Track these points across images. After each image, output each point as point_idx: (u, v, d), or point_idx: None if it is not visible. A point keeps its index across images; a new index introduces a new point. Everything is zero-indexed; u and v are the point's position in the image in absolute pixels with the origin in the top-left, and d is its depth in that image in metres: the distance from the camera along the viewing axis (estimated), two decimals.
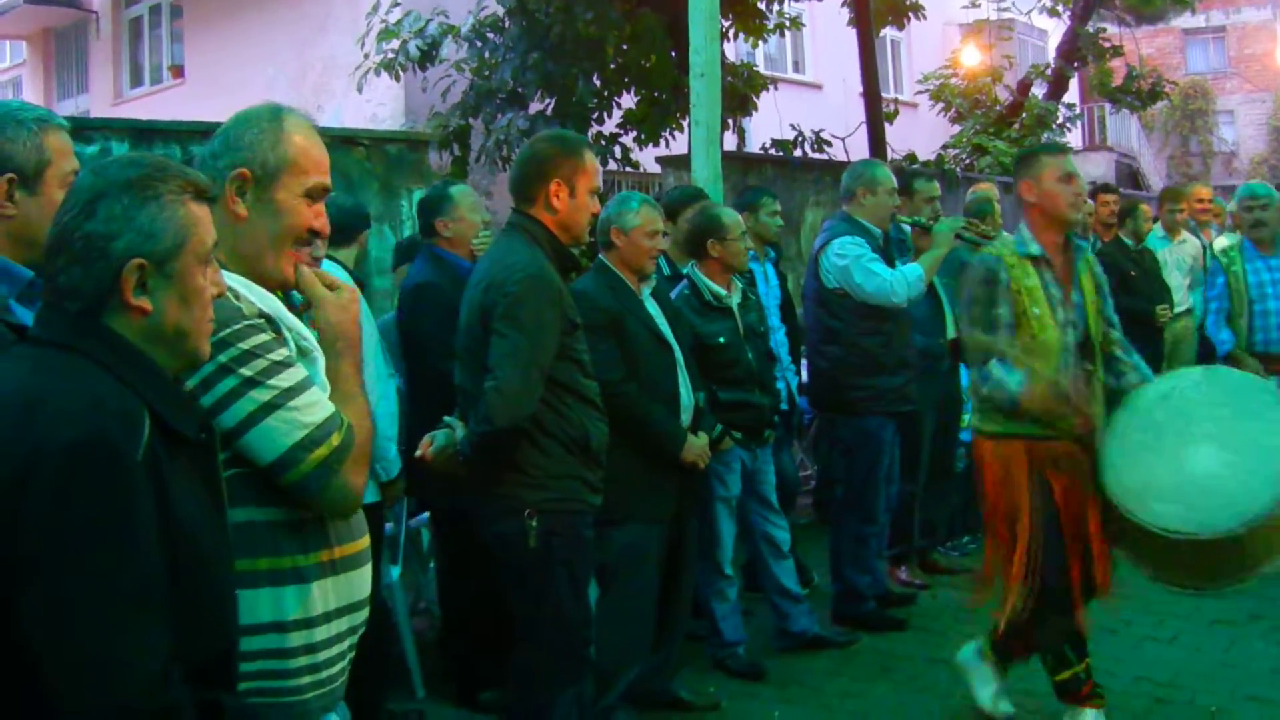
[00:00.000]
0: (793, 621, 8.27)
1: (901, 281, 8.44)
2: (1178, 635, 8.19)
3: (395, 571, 7.70)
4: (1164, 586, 6.54)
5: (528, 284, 5.48)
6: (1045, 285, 6.53)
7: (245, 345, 3.23)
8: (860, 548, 8.79)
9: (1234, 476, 6.10)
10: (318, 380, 3.47)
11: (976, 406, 6.81)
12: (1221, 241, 11.86)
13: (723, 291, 7.74)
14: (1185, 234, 13.50)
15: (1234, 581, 6.50)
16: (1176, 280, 13.06)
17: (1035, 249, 6.58)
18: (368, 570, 3.62)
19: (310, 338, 3.55)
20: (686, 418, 6.96)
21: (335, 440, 3.32)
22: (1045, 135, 24.50)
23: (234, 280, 3.30)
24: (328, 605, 3.42)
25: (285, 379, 3.28)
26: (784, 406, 8.76)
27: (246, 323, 3.27)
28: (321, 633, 3.39)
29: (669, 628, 7.20)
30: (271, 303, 3.49)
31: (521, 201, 5.78)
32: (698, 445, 6.92)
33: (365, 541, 3.62)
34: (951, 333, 9.71)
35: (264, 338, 3.30)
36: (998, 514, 6.60)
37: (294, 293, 3.71)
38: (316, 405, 3.32)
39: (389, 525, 7.57)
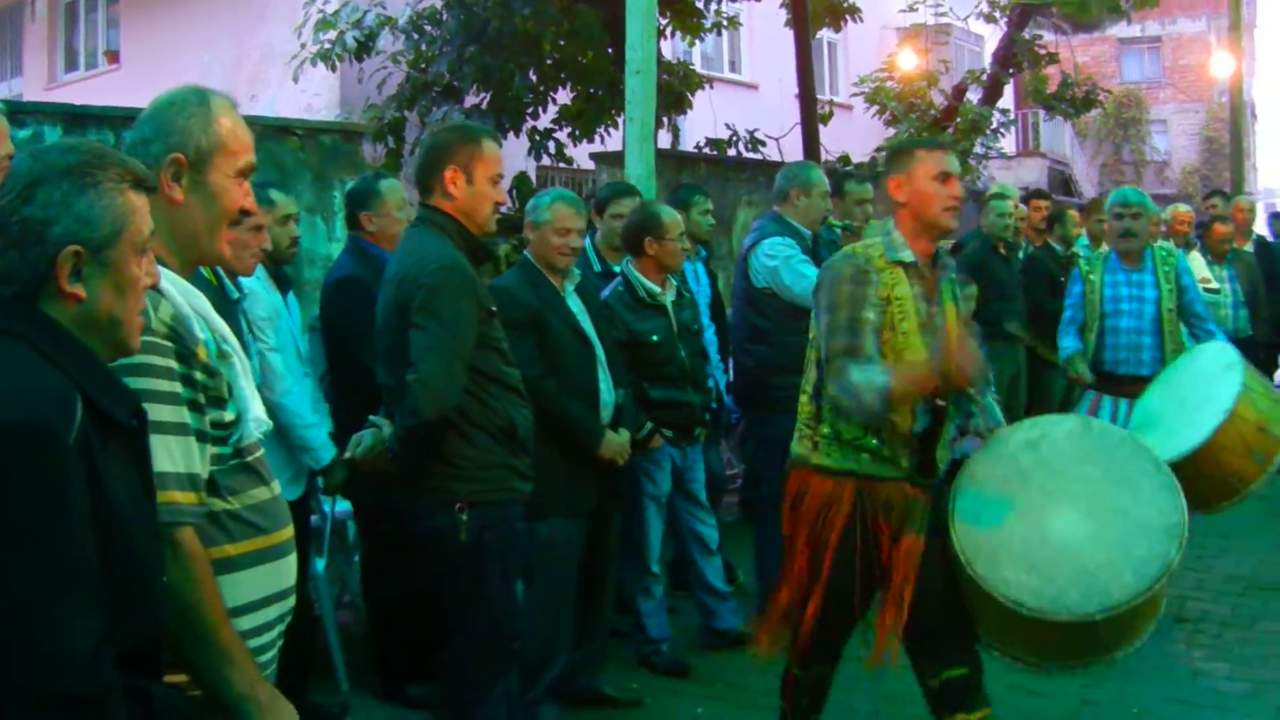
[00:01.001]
0: (718, 619, 8.34)
1: None
2: None
3: (320, 564, 7.69)
4: (997, 655, 5.80)
5: (442, 275, 5.48)
6: (915, 298, 5.62)
7: (129, 360, 3.16)
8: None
9: (1098, 553, 5.42)
10: (235, 381, 3.46)
11: (808, 433, 5.76)
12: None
13: (657, 289, 7.78)
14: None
15: (1078, 665, 5.94)
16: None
17: (908, 255, 5.63)
18: (293, 559, 3.63)
19: (232, 340, 3.54)
20: (607, 415, 7.01)
21: (161, 498, 3.16)
22: (979, 140, 24.66)
23: (162, 276, 3.27)
24: (255, 594, 3.43)
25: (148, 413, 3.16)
26: (713, 405, 8.81)
27: (147, 338, 3.19)
28: (249, 621, 3.39)
29: (592, 623, 7.27)
30: (198, 301, 3.47)
31: (423, 193, 5.80)
32: (616, 442, 6.98)
33: (290, 530, 3.62)
34: None
35: (153, 360, 3.23)
36: (798, 548, 5.69)
37: (228, 284, 3.72)
38: (161, 454, 3.19)
39: (314, 517, 7.57)
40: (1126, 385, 9.22)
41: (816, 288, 5.71)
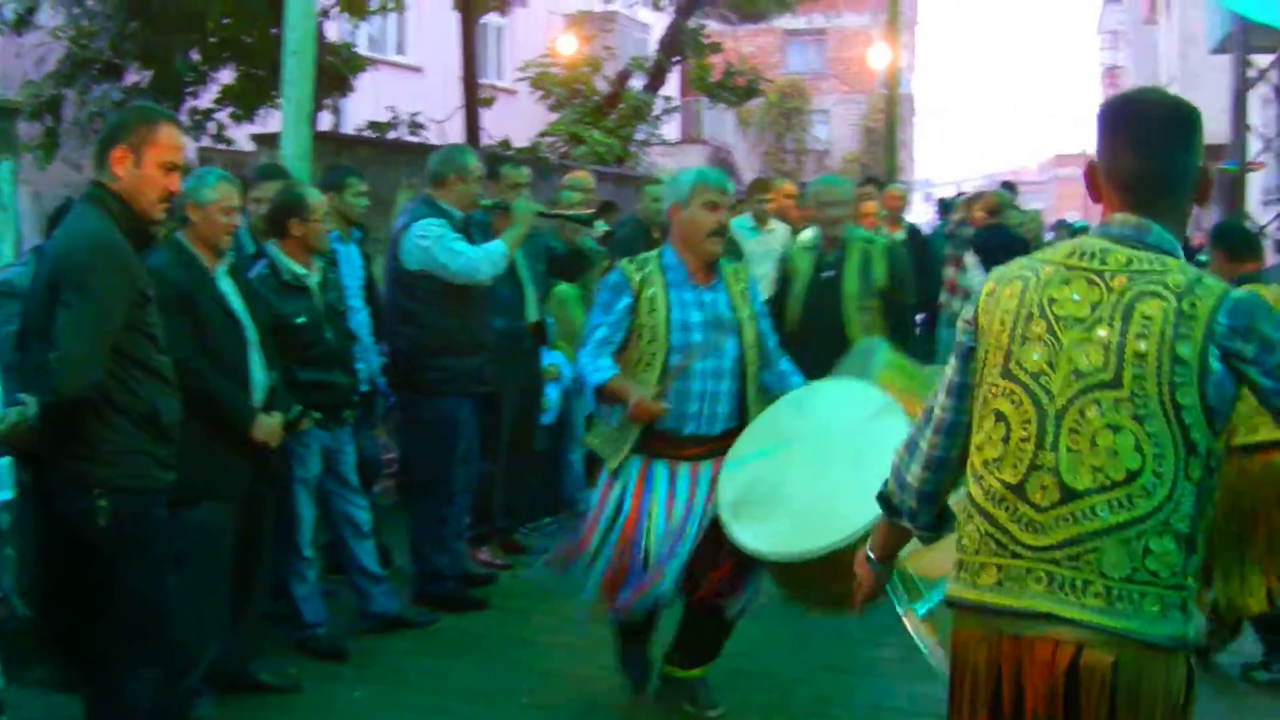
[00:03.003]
0: (373, 602, 8.34)
1: (486, 259, 8.55)
2: (756, 612, 8.51)
3: None
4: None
5: (95, 253, 5.37)
6: None
7: None
8: (440, 528, 8.89)
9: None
10: None
11: (1179, 597, 3.47)
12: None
13: (302, 271, 7.70)
14: (774, 223, 13.92)
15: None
16: (764, 270, 13.46)
17: None
18: None
19: None
20: (260, 396, 6.92)
21: None
22: (641, 127, 24.95)
23: None
24: None
25: None
26: (365, 387, 8.82)
27: None
28: None
29: (247, 609, 7.18)
30: None
31: (97, 169, 5.66)
32: (268, 424, 6.90)
33: None
34: (533, 315, 9.88)
35: None
36: None
37: None
38: None
39: None
40: (689, 448, 6.86)
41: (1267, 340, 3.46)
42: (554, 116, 24.87)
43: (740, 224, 13.66)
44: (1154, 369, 3.38)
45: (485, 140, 17.22)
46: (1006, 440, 3.55)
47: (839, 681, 7.80)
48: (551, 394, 10.62)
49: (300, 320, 7.59)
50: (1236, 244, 8.02)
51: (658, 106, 25.59)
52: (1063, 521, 3.45)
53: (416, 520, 9.02)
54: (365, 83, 17.29)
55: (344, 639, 8.09)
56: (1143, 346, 3.39)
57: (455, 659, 8.00)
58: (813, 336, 9.06)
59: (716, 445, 6.77)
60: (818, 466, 6.16)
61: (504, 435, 9.75)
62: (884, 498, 4.03)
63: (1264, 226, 23.50)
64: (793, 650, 8.07)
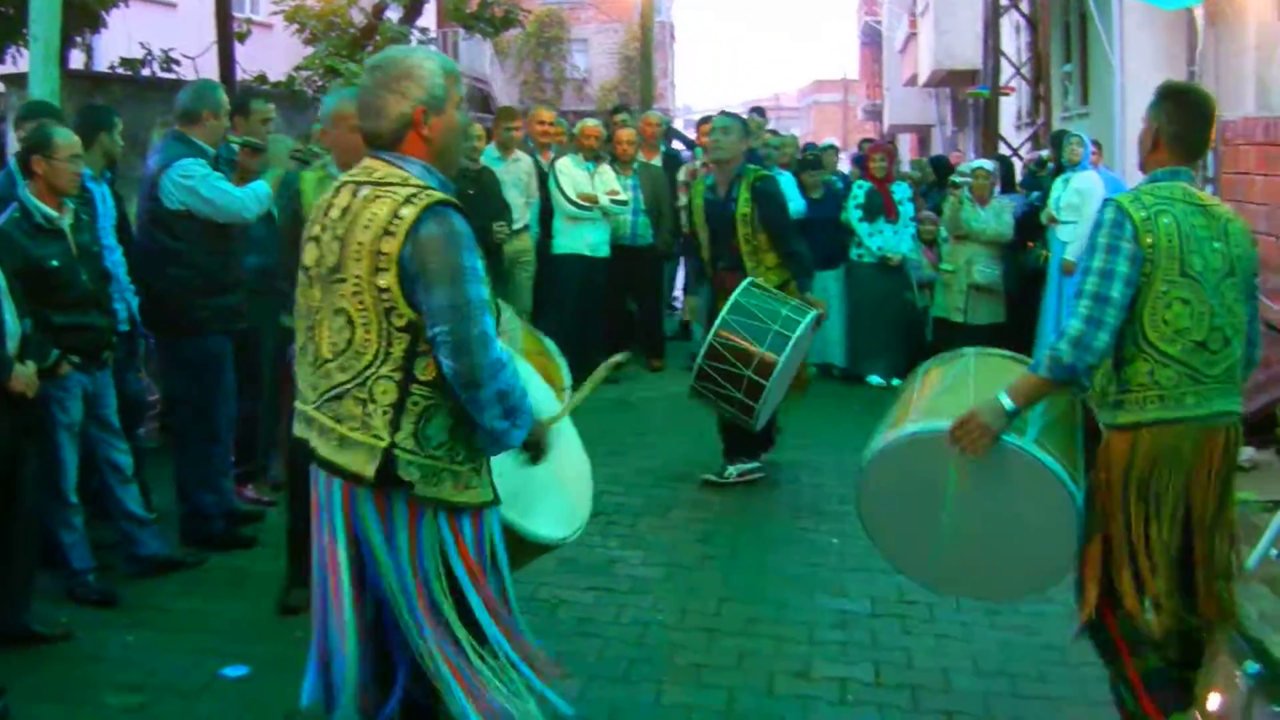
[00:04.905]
0: (141, 545, 8.29)
1: (252, 198, 8.58)
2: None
3: None
4: None
5: None
6: None
7: None
8: (205, 467, 8.88)
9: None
10: None
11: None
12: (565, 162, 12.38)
13: (54, 213, 7.54)
14: (519, 153, 14.01)
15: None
16: (514, 197, 13.57)
17: None
18: None
19: None
20: (12, 345, 6.82)
21: None
22: None
23: None
24: None
25: None
26: (124, 328, 8.71)
27: None
28: None
29: (12, 561, 7.10)
30: None
31: None
32: (25, 374, 6.82)
33: None
34: None
35: None
36: None
37: None
38: None
39: None
40: None
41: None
42: (310, 50, 24.59)
43: (487, 154, 13.78)
44: (1242, 264, 5.56)
45: (240, 75, 16.98)
46: (1192, 315, 5.37)
47: (605, 600, 7.98)
48: None
49: (54, 264, 7.46)
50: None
51: (414, 38, 25.40)
52: (1226, 356, 5.48)
53: (182, 460, 8.96)
54: (117, 19, 16.88)
55: (114, 584, 8.04)
56: (1235, 251, 5.53)
57: (226, 598, 8.00)
58: None
59: None
60: None
61: (265, 371, 9.69)
62: (1054, 364, 5.34)
63: (1017, 149, 24.29)
64: (555, 574, 8.21)
